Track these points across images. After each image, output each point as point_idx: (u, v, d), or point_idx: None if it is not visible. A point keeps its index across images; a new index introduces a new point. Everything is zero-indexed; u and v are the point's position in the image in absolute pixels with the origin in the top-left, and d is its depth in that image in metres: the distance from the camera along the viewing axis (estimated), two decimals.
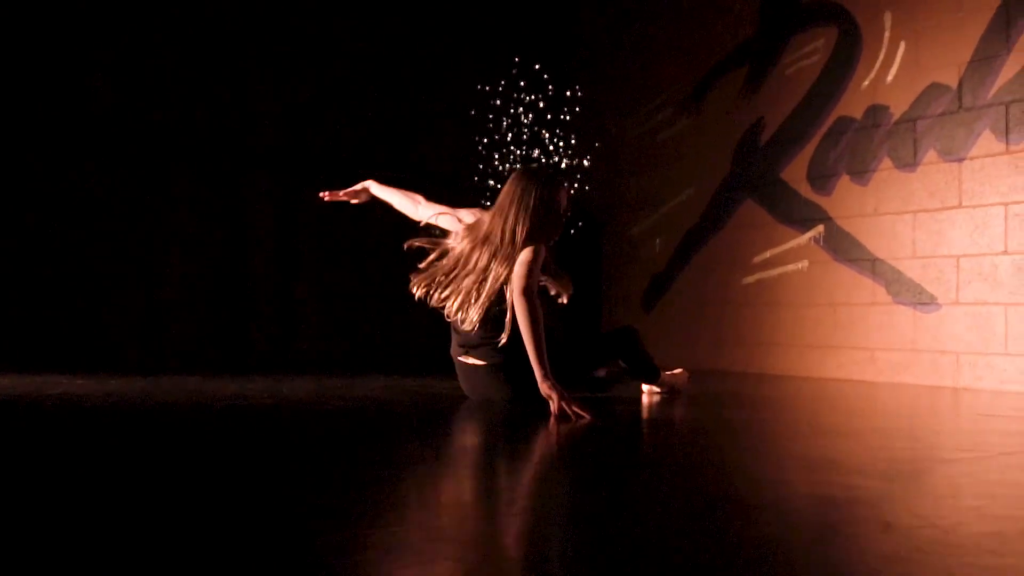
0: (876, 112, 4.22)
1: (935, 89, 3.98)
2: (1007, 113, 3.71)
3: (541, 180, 2.85)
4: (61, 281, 4.46)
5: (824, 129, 4.46)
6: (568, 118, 5.51)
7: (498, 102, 5.39)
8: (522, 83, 5.34)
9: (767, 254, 4.74)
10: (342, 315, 5.20)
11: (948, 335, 3.90)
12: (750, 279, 4.83)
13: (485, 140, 5.35)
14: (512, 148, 5.38)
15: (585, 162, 5.46)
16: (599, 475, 1.76)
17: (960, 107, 3.88)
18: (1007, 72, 3.71)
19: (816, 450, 2.08)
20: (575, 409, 2.41)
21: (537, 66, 5.26)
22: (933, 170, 3.98)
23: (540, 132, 5.42)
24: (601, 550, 1.12)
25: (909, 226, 4.07)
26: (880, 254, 4.19)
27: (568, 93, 5.43)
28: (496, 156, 5.39)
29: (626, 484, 1.65)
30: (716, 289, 5.02)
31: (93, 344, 4.53)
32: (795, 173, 4.61)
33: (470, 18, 5.60)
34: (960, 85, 3.88)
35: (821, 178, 4.48)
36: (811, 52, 4.55)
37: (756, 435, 2.49)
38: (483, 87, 5.33)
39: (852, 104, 4.34)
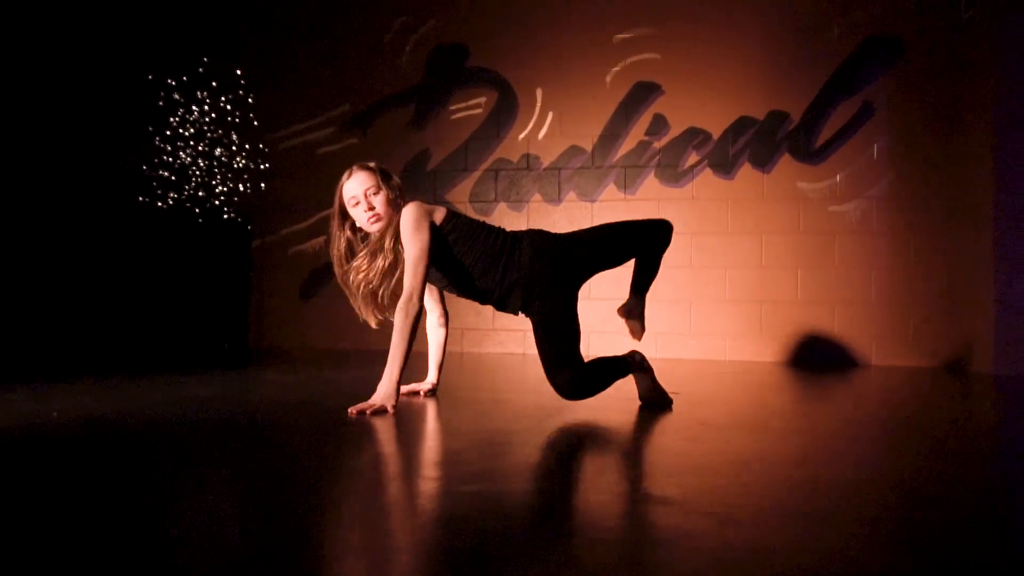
0: (530, 159, 5.43)
1: (575, 150, 5.36)
2: (625, 173, 5.29)
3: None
4: None
5: (485, 166, 5.48)
6: (238, 120, 5.42)
7: (177, 96, 5.04)
8: (214, 83, 5.10)
9: None
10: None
11: (585, 320, 5.31)
12: None
13: (167, 132, 4.96)
14: (191, 141, 5.10)
15: (248, 163, 5.44)
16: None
17: (593, 165, 5.33)
18: (625, 147, 5.29)
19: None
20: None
21: (238, 70, 5.10)
22: (573, 206, 5.36)
23: (216, 129, 5.23)
24: None
25: None
26: None
27: (251, 98, 5.34)
28: (169, 147, 5.04)
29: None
30: None
31: None
32: (459, 196, 5.52)
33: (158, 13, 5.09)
34: (593, 150, 5.34)
35: (482, 203, 5.49)
36: (475, 105, 5.53)
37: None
38: (170, 80, 4.94)
39: (510, 150, 5.46)
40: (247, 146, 5.54)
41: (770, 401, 3.18)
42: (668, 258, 5.12)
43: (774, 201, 5.06)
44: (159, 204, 5.13)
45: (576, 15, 5.38)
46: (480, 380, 3.76)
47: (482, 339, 5.46)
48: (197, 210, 5.23)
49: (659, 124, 5.24)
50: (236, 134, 5.41)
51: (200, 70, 5.18)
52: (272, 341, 5.73)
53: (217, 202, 5.29)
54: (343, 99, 5.70)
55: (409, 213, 2.54)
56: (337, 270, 2.72)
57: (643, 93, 5.27)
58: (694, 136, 5.18)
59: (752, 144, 5.11)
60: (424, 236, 2.50)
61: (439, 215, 2.63)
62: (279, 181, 5.72)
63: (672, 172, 5.21)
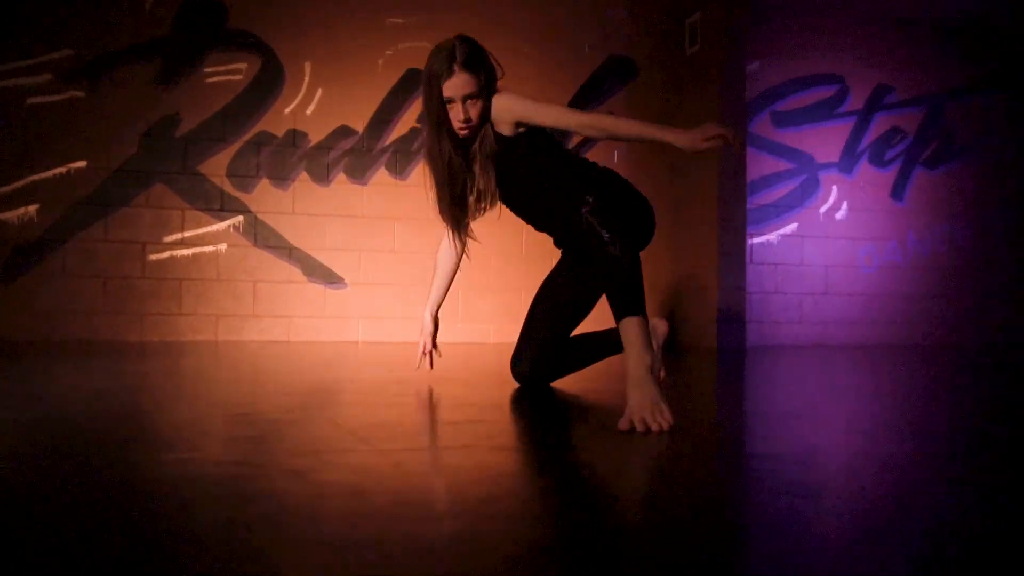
0: (296, 136, 5.06)
1: (345, 130, 5.13)
2: (396, 158, 5.21)
3: (426, 70, 2.23)
4: None
5: (247, 138, 4.98)
6: None
7: None
8: None
9: (181, 235, 4.89)
10: None
11: (353, 305, 5.12)
12: (160, 256, 4.85)
13: None
14: None
15: None
16: None
17: (365, 147, 5.16)
18: (397, 132, 5.21)
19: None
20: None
21: None
22: (343, 188, 5.12)
23: None
24: None
25: (323, 225, 5.09)
26: (297, 244, 5.05)
27: None
28: None
29: None
30: (116, 263, 4.77)
31: None
32: (215, 169, 4.94)
33: None
34: (365, 132, 5.16)
35: (242, 178, 4.98)
36: (235, 71, 4.98)
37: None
38: None
39: (274, 124, 5.03)
40: None
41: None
42: (438, 246, 5.19)
43: None
44: None
45: None
46: (241, 371, 3.47)
47: (240, 326, 4.97)
48: None
49: None
50: None
51: None
52: None
53: None
54: (65, 41, 4.74)
55: (513, 96, 2.20)
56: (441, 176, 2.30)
57: (415, 80, 5.25)
58: None
59: None
60: None
61: None
62: None
63: None
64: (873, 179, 6.09)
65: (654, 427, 1.57)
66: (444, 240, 2.57)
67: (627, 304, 1.81)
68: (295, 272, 5.05)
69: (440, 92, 2.17)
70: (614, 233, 1.86)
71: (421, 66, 5.15)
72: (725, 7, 5.19)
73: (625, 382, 1.74)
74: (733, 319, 5.13)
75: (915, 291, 6.11)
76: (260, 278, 5.00)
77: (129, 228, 4.82)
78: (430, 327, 2.68)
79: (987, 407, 2.36)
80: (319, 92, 5.12)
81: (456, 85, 2.16)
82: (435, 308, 2.68)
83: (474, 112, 2.18)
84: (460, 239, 2.44)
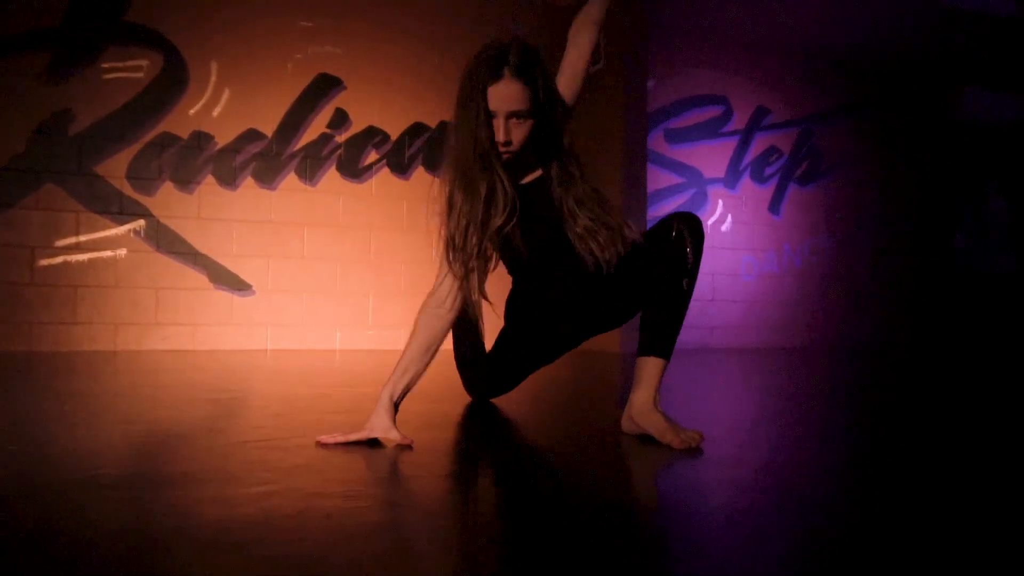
0: (201, 137, 4.86)
1: (253, 133, 4.98)
2: (306, 163, 5.11)
3: (469, 71, 1.74)
4: None
5: (148, 139, 4.74)
6: None
7: None
8: None
9: (76, 239, 4.59)
10: None
11: (261, 312, 4.98)
12: (52, 261, 4.53)
13: None
14: None
15: None
16: None
17: (273, 152, 5.03)
18: (307, 137, 5.12)
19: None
20: None
21: None
22: (250, 192, 4.97)
23: None
24: None
25: (229, 231, 4.92)
26: (203, 250, 4.86)
27: None
28: None
29: None
30: (2, 269, 4.42)
31: None
32: (113, 170, 4.67)
33: None
34: (274, 136, 5.03)
35: (143, 180, 4.73)
36: (135, 67, 4.73)
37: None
38: None
39: (178, 125, 4.81)
40: None
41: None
42: (349, 253, 5.16)
43: None
44: None
45: None
46: (138, 379, 3.39)
47: (141, 335, 4.73)
48: None
49: (341, 119, 5.22)
50: None
51: None
52: None
53: None
54: None
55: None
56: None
57: (326, 85, 5.19)
58: (374, 135, 5.29)
59: (426, 148, 5.43)
60: None
61: None
62: None
63: (353, 168, 5.24)
64: (754, 194, 6.57)
65: (693, 444, 1.69)
66: (431, 296, 1.81)
67: (662, 345, 1.85)
68: (200, 279, 4.87)
69: (484, 100, 1.69)
70: (693, 271, 1.84)
71: (331, 71, 5.21)
72: (627, 28, 5.46)
73: (632, 410, 1.84)
74: (635, 324, 5.38)
75: (789, 298, 6.64)
76: (163, 285, 4.79)
77: (16, 231, 4.49)
78: (385, 421, 1.70)
79: (852, 401, 2.67)
80: (226, 93, 4.95)
81: (502, 95, 1.69)
82: (400, 391, 1.77)
83: (517, 135, 1.74)
84: (474, 293, 1.78)
